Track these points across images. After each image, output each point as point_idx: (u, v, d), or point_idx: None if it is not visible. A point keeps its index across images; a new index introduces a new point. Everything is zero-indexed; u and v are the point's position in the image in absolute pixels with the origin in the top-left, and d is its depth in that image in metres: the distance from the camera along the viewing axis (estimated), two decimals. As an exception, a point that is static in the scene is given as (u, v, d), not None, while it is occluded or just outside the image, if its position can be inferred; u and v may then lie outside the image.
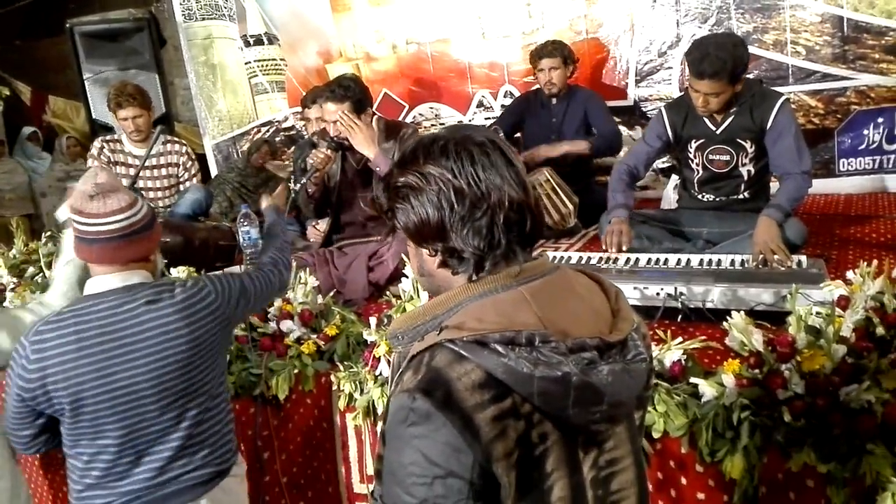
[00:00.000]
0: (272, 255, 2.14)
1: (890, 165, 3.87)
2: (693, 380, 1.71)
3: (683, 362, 1.80)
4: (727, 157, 2.86)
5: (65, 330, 1.65)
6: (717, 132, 2.84)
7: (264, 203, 2.51)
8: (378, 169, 2.91)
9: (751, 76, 3.85)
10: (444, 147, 1.01)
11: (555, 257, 2.86)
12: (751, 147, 2.81)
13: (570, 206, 3.81)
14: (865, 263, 1.98)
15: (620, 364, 0.95)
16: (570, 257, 2.85)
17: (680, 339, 1.83)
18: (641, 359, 0.99)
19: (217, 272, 1.97)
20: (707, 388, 1.67)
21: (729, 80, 2.66)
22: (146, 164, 3.87)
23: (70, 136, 6.81)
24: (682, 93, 3.10)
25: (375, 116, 3.19)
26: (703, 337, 1.82)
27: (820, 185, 3.92)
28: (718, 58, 2.61)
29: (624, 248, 2.73)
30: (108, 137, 3.98)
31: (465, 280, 1.01)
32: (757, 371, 1.68)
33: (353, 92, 2.93)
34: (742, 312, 1.76)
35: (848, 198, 3.89)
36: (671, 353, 1.81)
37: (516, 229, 1.00)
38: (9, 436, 1.81)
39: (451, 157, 0.99)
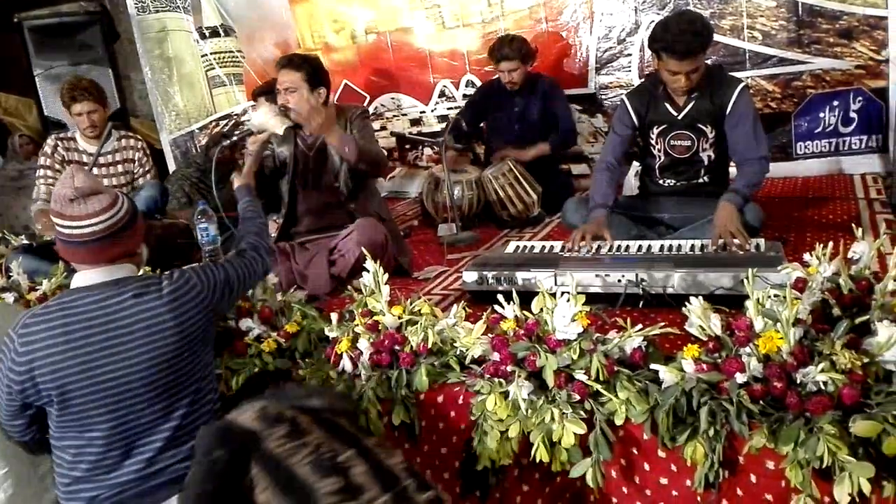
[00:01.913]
0: (251, 240, 2.15)
1: (845, 148, 3.94)
2: (653, 366, 1.71)
3: (644, 349, 1.80)
4: (688, 143, 2.87)
5: (52, 322, 1.67)
6: (679, 117, 2.85)
7: (236, 182, 2.49)
8: (347, 152, 2.83)
9: (709, 62, 3.90)
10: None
11: (517, 247, 2.85)
12: (711, 132, 2.83)
13: (534, 196, 3.82)
14: (822, 245, 2.00)
15: None
16: (532, 246, 2.85)
17: (640, 325, 1.83)
18: None
19: (199, 264, 1.97)
20: (667, 374, 1.67)
21: (703, 51, 2.70)
22: (101, 161, 3.79)
23: (23, 135, 6.60)
24: (643, 80, 3.12)
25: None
26: (664, 323, 1.82)
27: (778, 169, 3.97)
28: (695, 33, 2.64)
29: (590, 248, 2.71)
30: (61, 135, 3.88)
31: None
32: (717, 356, 1.68)
33: (309, 63, 2.84)
34: (700, 297, 1.76)
35: (805, 180, 3.96)
36: (631, 340, 1.80)
37: None
38: (3, 425, 1.83)
39: None
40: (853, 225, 2.01)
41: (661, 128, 2.90)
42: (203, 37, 5.45)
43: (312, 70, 2.84)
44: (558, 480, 1.87)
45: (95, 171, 3.76)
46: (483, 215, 3.95)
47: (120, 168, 3.85)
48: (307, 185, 3.09)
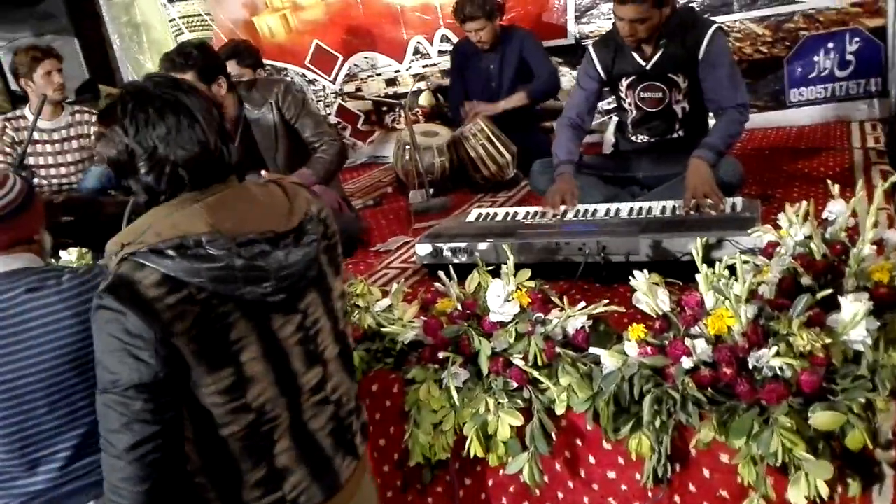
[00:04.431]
0: None
1: (843, 93, 3.67)
2: (593, 350, 1.53)
3: (587, 329, 1.62)
4: (659, 95, 2.64)
5: None
6: (648, 67, 2.61)
7: None
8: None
9: (693, 5, 3.63)
10: (123, 106, 1.18)
11: (480, 214, 2.66)
12: (683, 82, 2.59)
13: (508, 156, 3.61)
14: (796, 205, 1.79)
15: (290, 248, 1.21)
16: (494, 214, 2.65)
17: (583, 303, 1.64)
18: (312, 240, 1.25)
19: None
20: (608, 359, 1.49)
21: (654, 3, 2.43)
22: (55, 137, 3.61)
23: (-5, 110, 6.45)
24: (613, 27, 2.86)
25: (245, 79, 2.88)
26: (606, 301, 1.63)
27: (769, 118, 3.75)
28: None
29: (571, 206, 2.50)
30: (9, 115, 3.68)
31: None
32: (665, 336, 1.50)
33: (195, 60, 2.52)
34: (645, 271, 1.55)
35: (800, 130, 3.71)
36: (574, 319, 1.62)
37: (188, 178, 1.18)
38: None
39: (129, 117, 1.17)
40: (828, 181, 1.80)
41: (629, 79, 2.67)
42: (170, 0, 5.21)
43: (201, 64, 2.54)
44: (501, 473, 1.70)
45: (49, 148, 3.60)
46: (457, 179, 3.74)
47: (75, 144, 3.67)
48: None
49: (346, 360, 1.36)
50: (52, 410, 1.57)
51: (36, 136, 3.57)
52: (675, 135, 2.71)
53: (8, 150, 3.53)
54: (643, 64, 2.61)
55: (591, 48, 2.74)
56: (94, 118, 3.74)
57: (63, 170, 3.65)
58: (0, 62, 5.26)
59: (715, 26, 2.53)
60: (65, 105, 3.70)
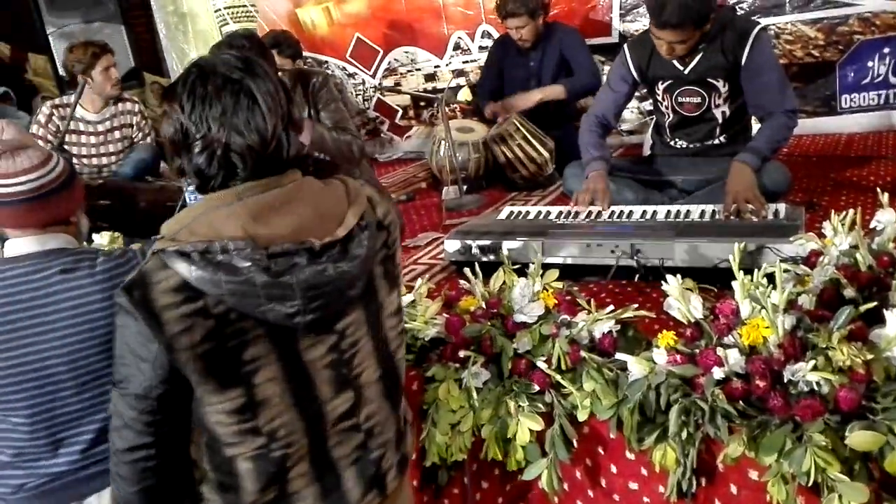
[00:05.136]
0: None
1: (897, 100, 3.52)
2: (619, 356, 1.47)
3: (615, 334, 1.56)
4: (698, 100, 2.53)
5: None
6: (686, 72, 2.51)
7: None
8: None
9: (744, 5, 3.52)
10: (184, 81, 1.11)
11: (512, 212, 2.61)
12: (724, 86, 2.48)
13: (546, 154, 3.54)
14: (842, 213, 1.71)
15: (328, 264, 1.08)
16: (527, 212, 2.59)
17: (611, 307, 1.58)
18: (358, 254, 1.12)
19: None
20: (635, 366, 1.43)
21: (696, 26, 2.33)
22: (99, 129, 3.64)
23: (45, 96, 6.58)
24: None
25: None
26: (636, 305, 1.57)
27: (820, 124, 3.61)
28: (682, 4, 2.26)
29: (603, 208, 2.44)
30: (56, 102, 3.71)
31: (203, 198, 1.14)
32: (696, 345, 1.43)
33: (246, 52, 2.54)
34: (679, 276, 1.49)
35: (850, 137, 3.56)
36: (601, 323, 1.56)
37: (241, 165, 1.09)
38: None
39: (187, 93, 1.09)
40: (878, 189, 1.71)
41: (666, 83, 2.56)
42: (216, -10, 5.27)
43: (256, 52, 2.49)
44: (519, 478, 1.66)
45: (94, 139, 3.63)
46: (492, 176, 3.69)
47: (117, 134, 3.70)
48: None
49: (389, 384, 1.23)
50: (80, 392, 1.57)
51: (81, 127, 3.61)
52: (716, 141, 2.61)
53: (50, 137, 3.56)
54: (681, 69, 2.51)
55: (626, 48, 2.64)
56: (136, 107, 3.78)
57: (105, 160, 3.69)
58: (51, 47, 5.36)
59: (758, 28, 2.40)
60: (83, 87, 3.69)
